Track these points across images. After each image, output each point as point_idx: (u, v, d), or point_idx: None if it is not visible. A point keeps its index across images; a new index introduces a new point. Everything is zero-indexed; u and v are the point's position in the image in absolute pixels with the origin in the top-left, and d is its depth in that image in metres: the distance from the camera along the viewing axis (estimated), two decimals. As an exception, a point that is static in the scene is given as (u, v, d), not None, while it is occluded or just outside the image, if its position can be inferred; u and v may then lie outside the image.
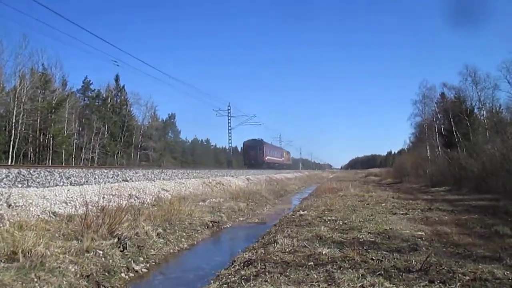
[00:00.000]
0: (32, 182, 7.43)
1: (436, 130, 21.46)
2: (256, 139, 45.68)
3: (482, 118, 18.94)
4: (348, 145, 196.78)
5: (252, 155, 40.42)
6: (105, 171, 10.43)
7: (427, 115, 23.12)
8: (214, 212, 9.72)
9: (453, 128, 19.40)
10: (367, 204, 10.16)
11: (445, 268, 4.27)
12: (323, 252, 4.90)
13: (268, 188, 17.74)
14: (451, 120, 19.57)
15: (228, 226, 9.06)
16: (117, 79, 35.39)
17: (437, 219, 7.50)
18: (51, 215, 6.27)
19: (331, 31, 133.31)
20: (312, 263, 4.54)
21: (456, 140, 18.57)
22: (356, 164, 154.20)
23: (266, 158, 42.32)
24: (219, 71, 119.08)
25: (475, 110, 19.25)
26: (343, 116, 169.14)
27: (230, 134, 35.14)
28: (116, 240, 5.68)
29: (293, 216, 8.54)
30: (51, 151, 22.43)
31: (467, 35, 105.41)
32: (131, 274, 5.26)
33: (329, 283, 3.94)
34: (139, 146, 36.03)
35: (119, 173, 10.73)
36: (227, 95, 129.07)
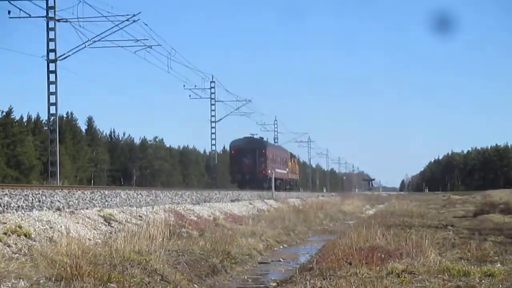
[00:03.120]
0: None
1: None
2: (253, 137, 66.38)
3: None
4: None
5: (247, 166, 59.78)
6: None
7: None
8: None
9: None
10: None
11: None
12: None
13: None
14: None
15: None
16: None
17: None
18: None
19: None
20: None
21: None
22: (435, 176, 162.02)
23: (270, 171, 60.83)
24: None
25: None
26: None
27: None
28: None
29: None
30: None
31: None
32: None
33: None
34: None
35: None
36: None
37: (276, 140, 76.04)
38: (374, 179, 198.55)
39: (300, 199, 59.45)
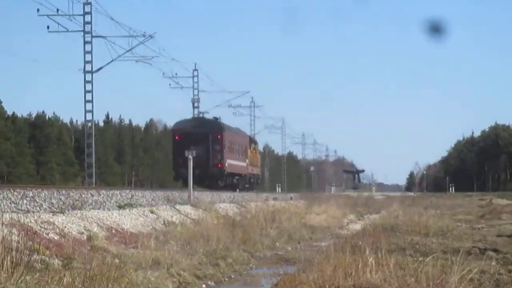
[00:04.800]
0: None
1: None
2: (204, 117, 79.21)
3: None
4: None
5: (197, 157, 63.08)
6: None
7: None
8: None
9: None
10: None
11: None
12: None
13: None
14: None
15: None
16: None
17: None
18: None
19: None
20: None
21: None
22: (465, 166, 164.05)
23: (227, 164, 70.40)
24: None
25: None
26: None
27: None
28: None
29: None
30: None
31: None
32: None
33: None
34: None
35: None
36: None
37: (197, 103, 78.17)
38: (363, 171, 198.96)
39: (237, 204, 59.99)
